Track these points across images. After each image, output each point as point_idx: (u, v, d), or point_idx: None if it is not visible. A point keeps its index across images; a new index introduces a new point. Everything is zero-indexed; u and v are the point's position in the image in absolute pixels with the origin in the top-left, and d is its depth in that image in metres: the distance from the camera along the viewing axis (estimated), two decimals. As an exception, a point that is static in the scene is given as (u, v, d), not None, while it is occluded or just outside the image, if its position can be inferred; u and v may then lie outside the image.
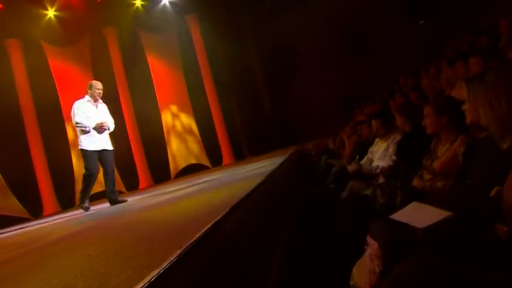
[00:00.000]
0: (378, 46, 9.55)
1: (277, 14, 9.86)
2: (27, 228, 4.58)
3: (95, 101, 4.02)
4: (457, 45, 5.99)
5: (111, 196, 4.08)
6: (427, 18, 9.85)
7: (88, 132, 3.88)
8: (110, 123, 4.09)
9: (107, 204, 4.18)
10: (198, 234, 0.95)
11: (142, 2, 10.35)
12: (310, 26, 9.90)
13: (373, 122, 3.18)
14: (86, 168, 3.94)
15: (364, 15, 9.65)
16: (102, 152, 3.97)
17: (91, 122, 3.91)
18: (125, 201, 4.15)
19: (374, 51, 9.51)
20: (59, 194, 9.77)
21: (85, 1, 9.78)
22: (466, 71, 3.15)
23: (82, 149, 3.93)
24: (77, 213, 4.65)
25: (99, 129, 3.91)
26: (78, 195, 4.06)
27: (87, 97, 4.03)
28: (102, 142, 3.99)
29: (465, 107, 1.61)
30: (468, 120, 1.61)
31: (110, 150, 4.07)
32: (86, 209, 4.04)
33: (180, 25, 10.74)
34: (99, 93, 4.03)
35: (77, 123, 3.87)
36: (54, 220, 4.82)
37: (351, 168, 3.19)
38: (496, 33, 4.43)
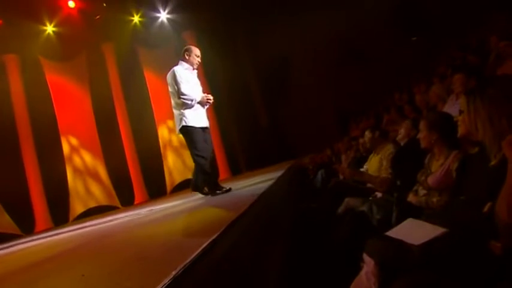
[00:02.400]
0: (372, 61, 9.73)
1: (272, 31, 10.05)
2: (19, 246, 4.48)
3: (193, 69, 3.46)
4: (448, 61, 6.13)
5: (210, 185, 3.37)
6: (419, 35, 10.12)
7: (192, 106, 3.28)
8: None
9: (100, 220, 4.09)
10: (193, 255, 0.95)
11: (140, 19, 10.53)
12: (305, 42, 10.11)
13: (366, 133, 3.24)
14: (197, 150, 3.26)
15: (359, 31, 9.87)
16: (204, 130, 3.39)
17: (196, 93, 3.34)
18: (229, 190, 3.38)
19: (369, 66, 9.68)
20: (52, 209, 9.62)
21: (84, 17, 9.93)
22: (455, 86, 3.20)
23: (187, 126, 3.27)
24: (69, 230, 4.58)
25: (205, 103, 3.38)
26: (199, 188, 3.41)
27: (184, 64, 3.42)
28: (205, 118, 3.43)
29: (459, 118, 1.63)
30: (460, 133, 1.63)
31: (209, 128, 3.50)
32: (226, 191, 3.32)
33: (177, 41, 10.90)
34: (198, 61, 3.48)
35: (183, 94, 3.24)
36: (46, 237, 4.73)
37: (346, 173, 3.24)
38: (484, 50, 4.56)
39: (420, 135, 2.12)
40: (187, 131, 3.29)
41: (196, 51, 3.46)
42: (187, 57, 3.44)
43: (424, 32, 9.75)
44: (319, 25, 9.79)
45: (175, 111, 3.37)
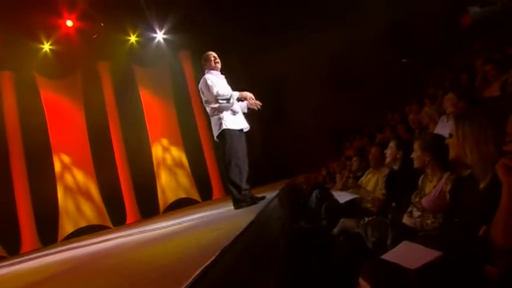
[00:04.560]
0: (365, 82, 9.96)
1: (268, 52, 10.28)
2: (2, 270, 4.30)
3: (221, 74, 3.43)
4: (438, 82, 6.29)
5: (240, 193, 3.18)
6: (409, 57, 10.43)
7: (231, 105, 3.22)
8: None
9: (90, 241, 3.97)
10: (186, 283, 0.92)
11: (137, 38, 10.69)
12: (299, 63, 10.33)
13: (373, 150, 3.18)
14: (233, 153, 3.16)
15: (352, 54, 10.15)
16: (241, 133, 3.34)
17: (230, 93, 3.28)
18: (263, 198, 3.30)
19: (362, 87, 9.90)
20: (41, 229, 9.34)
21: (81, 36, 10.05)
22: (446, 106, 3.27)
23: (227, 129, 3.20)
24: (57, 251, 4.43)
25: (245, 100, 3.30)
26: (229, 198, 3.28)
27: (212, 71, 3.39)
28: (244, 120, 3.37)
29: (449, 141, 1.66)
30: (451, 156, 1.65)
31: (245, 132, 3.41)
32: (257, 199, 3.22)
33: (173, 61, 11.05)
34: (218, 61, 3.42)
35: (219, 94, 3.19)
36: (33, 259, 4.57)
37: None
38: (471, 72, 4.69)
39: (414, 155, 2.15)
40: (226, 135, 3.22)
41: (210, 55, 3.43)
42: (208, 65, 3.42)
43: (413, 54, 10.06)
44: (313, 47, 10.06)
45: (214, 118, 3.30)
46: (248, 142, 3.47)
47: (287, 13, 10.01)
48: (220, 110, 3.25)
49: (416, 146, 2.13)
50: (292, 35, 10.15)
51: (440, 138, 2.10)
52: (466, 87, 4.24)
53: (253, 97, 3.38)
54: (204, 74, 3.41)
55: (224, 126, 3.21)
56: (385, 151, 2.85)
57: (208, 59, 3.41)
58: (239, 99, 3.33)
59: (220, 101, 3.23)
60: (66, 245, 6.41)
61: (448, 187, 1.87)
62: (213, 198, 10.17)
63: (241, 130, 3.35)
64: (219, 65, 3.43)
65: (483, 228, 1.31)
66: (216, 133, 3.30)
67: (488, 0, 7.85)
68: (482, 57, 4.51)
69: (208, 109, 3.36)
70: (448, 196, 1.88)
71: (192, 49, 10.58)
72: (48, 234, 9.31)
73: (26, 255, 7.20)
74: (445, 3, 8.92)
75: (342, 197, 3.21)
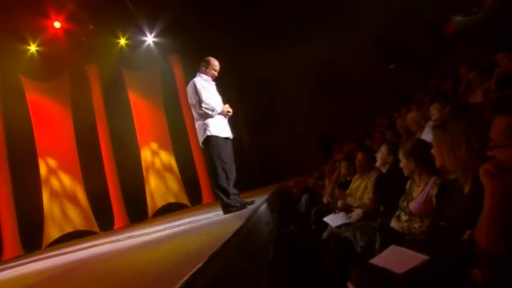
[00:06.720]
0: (354, 87, 10.10)
1: (258, 57, 10.33)
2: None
3: (211, 81, 3.42)
4: (424, 88, 6.43)
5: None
6: (397, 63, 10.65)
7: (212, 117, 3.23)
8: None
9: (75, 247, 3.87)
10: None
11: (126, 41, 10.61)
12: (289, 68, 10.42)
13: (359, 155, 3.17)
14: (219, 158, 3.16)
15: (340, 60, 10.29)
16: (227, 140, 3.35)
17: (216, 103, 3.29)
18: (252, 202, 3.30)
19: (351, 92, 10.03)
20: (24, 235, 9.07)
21: (69, 38, 9.91)
22: (433, 113, 3.35)
23: (212, 136, 3.20)
24: (41, 258, 4.31)
25: (225, 114, 3.33)
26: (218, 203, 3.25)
27: (203, 75, 3.37)
28: (228, 129, 3.38)
29: (433, 151, 1.70)
30: (437, 165, 1.69)
31: (230, 139, 3.41)
32: (247, 204, 3.20)
33: (163, 64, 11.00)
34: (214, 74, 3.42)
35: (205, 102, 3.18)
36: (15, 267, 4.44)
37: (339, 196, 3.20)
38: (456, 78, 4.82)
39: (401, 164, 2.17)
40: (211, 141, 3.21)
41: (214, 63, 3.42)
42: (204, 69, 3.40)
43: (401, 60, 10.28)
44: (303, 53, 10.16)
45: (198, 123, 3.30)
46: (238, 147, 3.46)
47: (278, 19, 10.11)
48: (204, 116, 3.24)
49: (401, 154, 2.15)
50: (283, 40, 10.25)
51: (422, 142, 2.14)
52: (450, 94, 4.35)
53: (230, 112, 3.37)
54: (194, 77, 3.38)
55: (208, 133, 3.21)
56: (376, 154, 2.87)
57: (209, 64, 3.39)
58: (220, 113, 3.32)
59: (204, 108, 3.21)
60: (50, 251, 6.25)
61: (435, 191, 1.91)
62: (203, 203, 10.10)
63: (227, 138, 3.36)
64: (212, 73, 3.41)
65: (468, 232, 1.34)
66: (201, 139, 3.29)
67: (470, 10, 8.10)
68: (466, 64, 4.63)
69: (194, 113, 3.35)
70: (434, 200, 1.91)
71: (182, 53, 10.56)
72: (32, 240, 9.05)
73: (8, 262, 6.98)
74: (433, 11, 9.15)
75: (334, 220, 3.08)
